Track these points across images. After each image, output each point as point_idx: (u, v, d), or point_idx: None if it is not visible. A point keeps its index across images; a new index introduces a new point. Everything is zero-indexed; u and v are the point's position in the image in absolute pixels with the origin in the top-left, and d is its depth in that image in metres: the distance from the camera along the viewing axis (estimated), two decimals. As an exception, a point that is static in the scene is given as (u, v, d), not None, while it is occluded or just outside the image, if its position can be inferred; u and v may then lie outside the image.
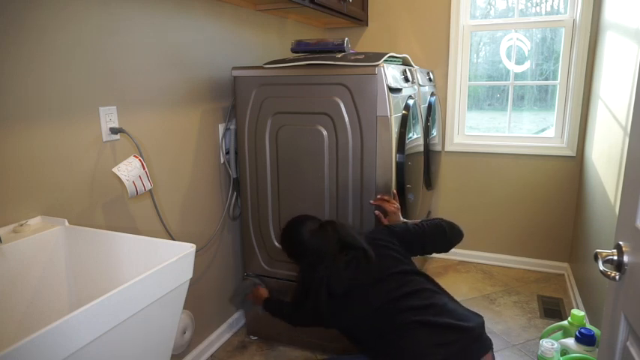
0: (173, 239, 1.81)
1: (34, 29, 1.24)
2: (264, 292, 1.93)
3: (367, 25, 3.09)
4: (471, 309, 1.45)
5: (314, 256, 1.52)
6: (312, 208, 1.94)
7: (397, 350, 1.30)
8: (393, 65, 1.91)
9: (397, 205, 1.78)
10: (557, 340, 1.77)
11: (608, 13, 2.32)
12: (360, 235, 1.56)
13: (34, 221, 1.27)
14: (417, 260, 1.75)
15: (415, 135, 2.06)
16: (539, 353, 1.71)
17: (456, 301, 1.44)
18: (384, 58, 1.77)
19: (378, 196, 1.81)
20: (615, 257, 0.93)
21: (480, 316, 1.38)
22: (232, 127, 2.08)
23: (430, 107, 2.47)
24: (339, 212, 1.90)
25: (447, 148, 3.05)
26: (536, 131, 2.98)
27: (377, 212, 1.81)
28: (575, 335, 1.72)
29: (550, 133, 2.90)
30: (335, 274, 1.45)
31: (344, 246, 1.50)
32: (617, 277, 0.92)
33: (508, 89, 2.97)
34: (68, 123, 1.36)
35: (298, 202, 1.96)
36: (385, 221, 1.78)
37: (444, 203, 3.16)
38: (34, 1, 1.23)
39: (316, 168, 1.89)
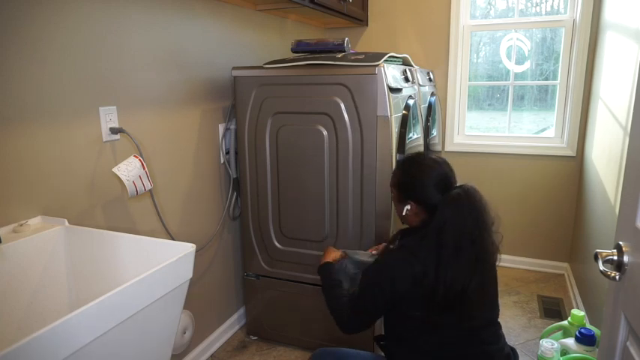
0: (173, 239, 1.81)
1: (33, 28, 1.24)
2: (332, 253, 1.55)
3: (367, 25, 3.09)
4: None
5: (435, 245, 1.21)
6: (312, 208, 1.94)
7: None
8: (393, 65, 1.91)
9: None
10: (557, 340, 1.77)
11: (608, 13, 2.32)
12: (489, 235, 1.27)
13: (34, 221, 1.27)
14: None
15: (415, 135, 2.05)
16: (539, 353, 1.71)
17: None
18: (384, 58, 1.77)
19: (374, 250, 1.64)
20: (615, 257, 0.93)
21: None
22: (232, 127, 2.08)
23: (430, 107, 2.47)
24: (339, 212, 1.89)
25: (447, 148, 3.05)
26: (536, 131, 2.98)
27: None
28: (575, 335, 1.72)
29: (550, 133, 2.90)
30: (457, 277, 1.20)
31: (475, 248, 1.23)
32: (617, 277, 0.92)
33: (508, 89, 2.96)
34: (68, 123, 1.36)
35: (298, 202, 1.96)
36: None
37: (444, 203, 3.15)
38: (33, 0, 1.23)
39: (316, 168, 1.89)
